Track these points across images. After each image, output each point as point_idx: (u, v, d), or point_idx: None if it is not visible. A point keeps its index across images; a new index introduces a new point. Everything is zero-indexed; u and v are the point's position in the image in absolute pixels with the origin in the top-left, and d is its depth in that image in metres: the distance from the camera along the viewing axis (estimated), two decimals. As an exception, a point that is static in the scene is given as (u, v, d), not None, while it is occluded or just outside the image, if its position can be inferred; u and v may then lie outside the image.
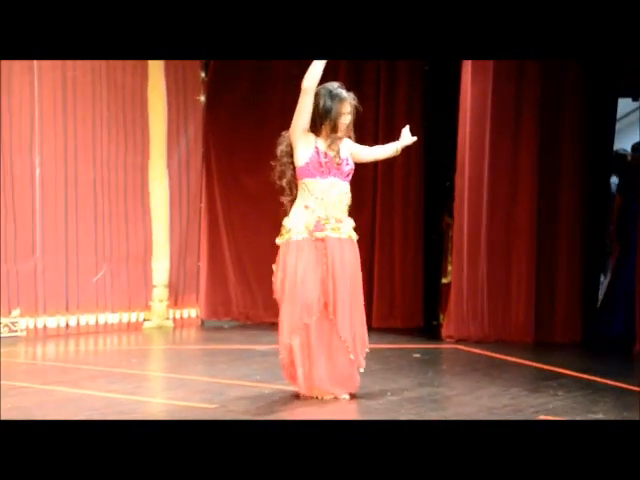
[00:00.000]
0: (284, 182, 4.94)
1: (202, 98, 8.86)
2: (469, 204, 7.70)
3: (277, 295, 4.91)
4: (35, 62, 7.55)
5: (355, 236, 4.94)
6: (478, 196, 7.71)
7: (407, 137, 5.12)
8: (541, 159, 7.76)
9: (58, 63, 7.69)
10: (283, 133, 5.00)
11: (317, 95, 4.80)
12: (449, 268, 8.40)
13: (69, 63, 7.77)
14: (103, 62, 7.98)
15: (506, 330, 7.71)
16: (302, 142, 4.83)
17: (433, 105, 8.68)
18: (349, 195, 4.91)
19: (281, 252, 4.89)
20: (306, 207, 4.82)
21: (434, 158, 8.79)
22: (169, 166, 8.65)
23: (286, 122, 8.73)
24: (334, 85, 4.86)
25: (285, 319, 4.79)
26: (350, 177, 4.92)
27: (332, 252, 4.79)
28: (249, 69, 8.79)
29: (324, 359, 4.75)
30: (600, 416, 4.53)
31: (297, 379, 4.82)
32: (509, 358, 6.66)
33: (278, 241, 4.92)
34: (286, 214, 4.98)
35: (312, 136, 4.83)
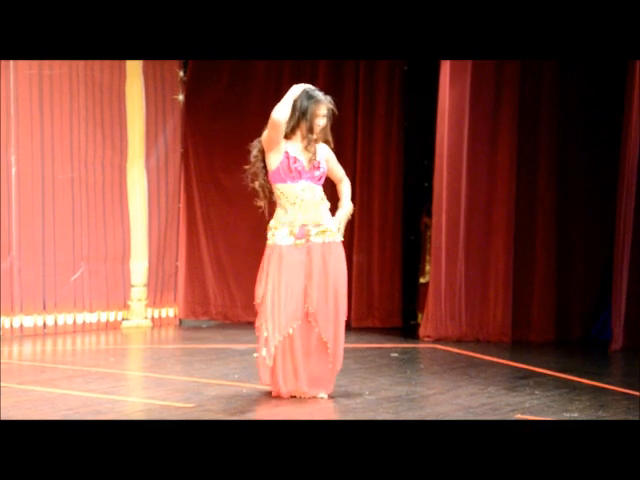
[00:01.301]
0: (257, 185, 4.96)
1: (181, 97, 8.84)
2: (447, 204, 7.74)
3: (258, 299, 4.89)
4: (11, 61, 7.49)
5: (340, 237, 4.92)
6: (456, 197, 7.74)
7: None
8: (519, 160, 7.81)
9: (35, 62, 7.64)
10: (255, 141, 5.00)
11: (297, 97, 4.78)
12: (427, 268, 8.44)
13: (46, 62, 7.72)
14: (80, 61, 7.94)
15: (483, 330, 7.76)
16: (274, 149, 4.84)
17: (412, 105, 8.71)
18: (324, 199, 4.90)
19: (266, 255, 4.91)
20: (285, 211, 4.84)
21: (413, 158, 8.83)
22: (147, 165, 8.63)
23: (265, 122, 8.82)
24: (311, 87, 4.85)
25: (270, 324, 4.77)
26: (322, 180, 4.91)
27: (314, 258, 4.80)
28: (228, 68, 8.79)
29: (305, 361, 4.76)
30: (576, 415, 4.56)
31: (277, 381, 4.81)
32: (486, 357, 6.70)
33: (267, 241, 4.92)
34: (265, 216, 4.98)
35: (282, 141, 4.83)
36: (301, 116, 4.77)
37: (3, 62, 7.48)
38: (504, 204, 7.79)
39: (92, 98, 8.15)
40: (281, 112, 4.71)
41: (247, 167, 5.00)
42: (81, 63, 7.99)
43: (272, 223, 4.91)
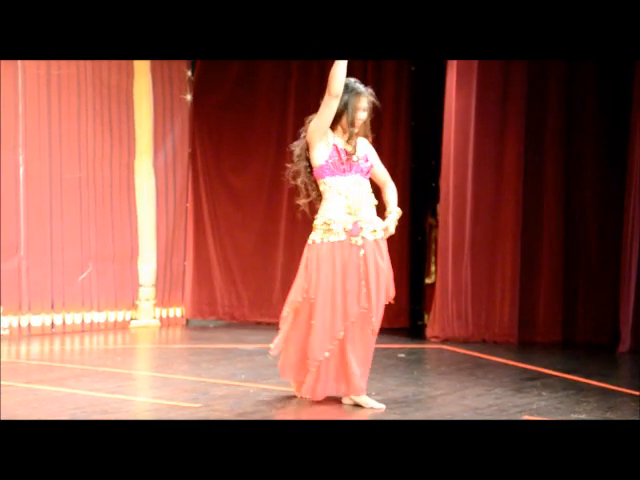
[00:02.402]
0: (299, 181, 4.77)
1: (188, 97, 8.85)
2: (454, 205, 7.74)
3: (299, 296, 4.69)
4: (19, 60, 7.51)
5: (383, 234, 4.76)
6: (463, 197, 7.74)
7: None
8: (525, 161, 7.80)
9: (43, 61, 7.66)
10: (295, 142, 4.82)
11: None
12: (432, 268, 8.43)
13: (54, 61, 7.74)
14: (88, 61, 7.96)
15: (490, 330, 7.75)
16: (321, 141, 4.67)
17: (420, 105, 8.70)
18: (372, 194, 4.77)
19: (313, 253, 4.68)
20: (335, 206, 4.66)
21: (420, 158, 8.82)
22: (155, 165, 8.64)
23: (272, 121, 8.84)
24: (351, 80, 4.70)
25: (320, 326, 4.62)
26: (369, 175, 4.77)
27: (369, 257, 4.66)
28: (235, 68, 8.80)
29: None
30: (583, 416, 4.55)
31: (314, 384, 4.69)
32: (493, 358, 6.69)
33: (314, 238, 4.70)
34: (309, 214, 4.82)
35: (329, 133, 4.68)
36: (342, 109, 4.62)
37: (11, 62, 7.50)
38: (511, 205, 7.78)
39: (100, 98, 8.16)
40: (339, 86, 4.52)
41: (289, 165, 4.81)
42: (89, 63, 8.00)
43: (320, 220, 4.70)
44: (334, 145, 4.66)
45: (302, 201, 4.82)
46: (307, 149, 4.73)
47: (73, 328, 7.99)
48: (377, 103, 4.76)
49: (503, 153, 7.81)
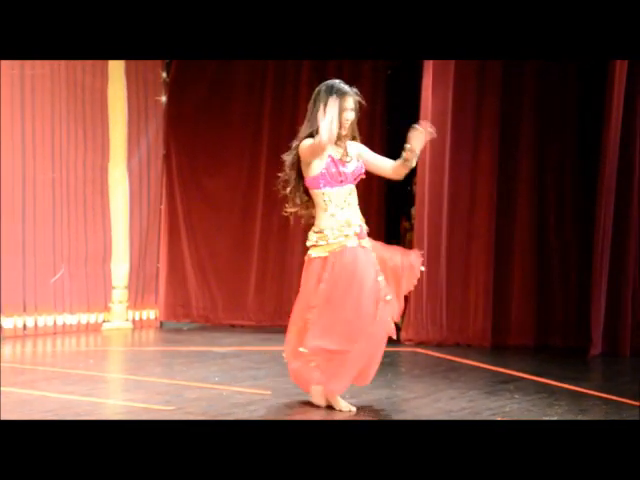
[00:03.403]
0: (288, 191, 4.72)
1: (163, 98, 8.83)
2: (429, 209, 7.76)
3: (315, 301, 4.57)
4: (-8, 61, 7.46)
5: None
6: (438, 201, 7.77)
7: (417, 136, 4.60)
8: (500, 164, 7.85)
9: (17, 62, 7.60)
10: (287, 153, 4.73)
11: (319, 92, 4.60)
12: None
13: (28, 62, 7.68)
14: (62, 61, 7.91)
15: (464, 334, 7.79)
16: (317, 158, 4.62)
17: (395, 108, 8.73)
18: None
19: (330, 259, 4.57)
20: (332, 215, 4.62)
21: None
22: (129, 166, 8.60)
23: (247, 123, 8.83)
24: (336, 81, 4.65)
25: (340, 327, 4.51)
26: (358, 180, 4.73)
27: (377, 258, 4.69)
28: (211, 70, 8.78)
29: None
30: (555, 419, 4.58)
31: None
32: (467, 361, 6.72)
33: (318, 253, 4.62)
34: (302, 223, 4.81)
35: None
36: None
37: (-15, 62, 7.45)
38: (485, 209, 7.82)
39: (74, 99, 8.12)
40: (331, 135, 4.44)
41: (280, 174, 4.74)
42: (63, 63, 7.95)
43: (320, 228, 4.63)
44: (330, 156, 4.61)
45: (290, 210, 4.78)
46: (299, 160, 4.67)
47: (45, 330, 7.93)
48: (363, 102, 4.73)
49: (478, 157, 7.85)
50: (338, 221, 4.62)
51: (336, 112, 4.47)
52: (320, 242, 4.64)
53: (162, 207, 8.92)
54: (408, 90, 8.29)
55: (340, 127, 4.59)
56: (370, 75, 8.60)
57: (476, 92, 7.85)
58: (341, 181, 4.64)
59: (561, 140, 7.86)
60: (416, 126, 4.62)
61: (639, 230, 7.36)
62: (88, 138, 8.25)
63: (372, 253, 4.67)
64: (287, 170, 4.71)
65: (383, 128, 8.75)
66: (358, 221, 4.68)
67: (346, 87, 4.64)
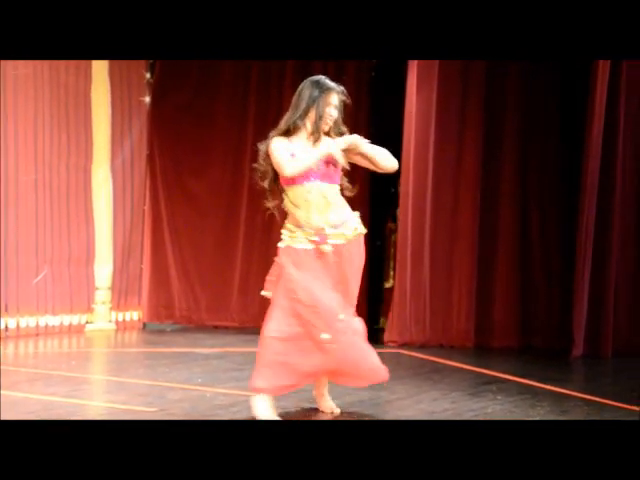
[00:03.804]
0: (266, 184, 4.59)
1: (147, 99, 8.80)
2: (413, 210, 7.78)
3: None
4: (-26, 61, 7.42)
5: (362, 229, 4.64)
6: (422, 202, 7.79)
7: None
8: (484, 165, 7.88)
9: (-1, 62, 7.58)
10: (263, 142, 4.59)
11: (304, 86, 4.52)
12: (391, 273, 8.47)
13: (10, 62, 7.63)
14: (45, 62, 7.87)
15: (447, 335, 7.81)
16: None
17: (379, 109, 8.73)
18: (337, 195, 4.55)
19: (282, 258, 4.51)
20: (294, 215, 4.51)
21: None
22: (113, 167, 8.57)
23: (231, 124, 8.81)
24: (321, 77, 4.58)
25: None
26: (338, 178, 4.57)
27: (340, 262, 4.51)
28: (195, 71, 8.77)
29: None
30: (538, 420, 4.59)
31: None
32: (450, 363, 6.73)
33: (280, 244, 4.56)
34: (276, 217, 4.69)
35: (287, 141, 4.49)
36: (310, 106, 4.45)
37: (-34, 62, 7.40)
38: (468, 210, 7.85)
39: (57, 99, 8.08)
40: (297, 171, 4.39)
41: (256, 165, 4.62)
42: (46, 64, 7.91)
43: (288, 225, 4.57)
44: (292, 155, 4.45)
45: (270, 204, 4.65)
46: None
47: (27, 332, 7.89)
48: (348, 101, 4.64)
49: (461, 158, 7.88)
50: (296, 220, 4.51)
51: (316, 159, 4.38)
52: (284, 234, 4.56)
53: (146, 208, 8.89)
54: (392, 91, 8.31)
55: (322, 120, 4.50)
56: (354, 76, 8.60)
57: (460, 93, 7.87)
58: (308, 176, 4.46)
59: (544, 141, 7.89)
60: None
61: (621, 232, 7.41)
62: (71, 139, 8.21)
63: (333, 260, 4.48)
64: (261, 161, 4.57)
65: (367, 129, 8.75)
66: (319, 223, 4.48)
67: (331, 83, 4.56)
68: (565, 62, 7.55)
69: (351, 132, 9.14)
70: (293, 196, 4.51)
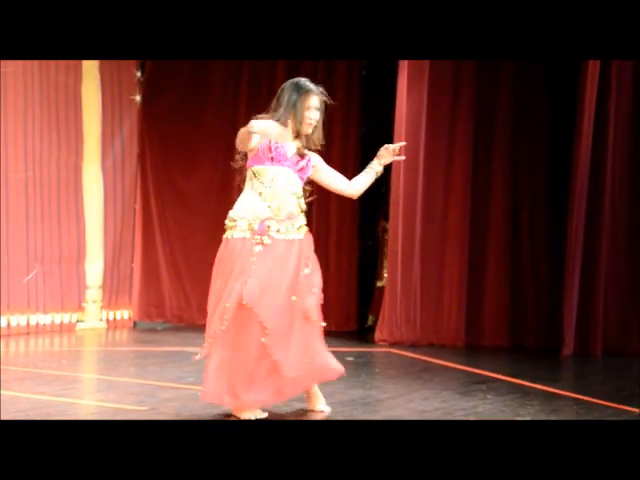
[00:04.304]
0: (237, 167, 4.57)
1: (138, 98, 8.79)
2: (404, 209, 7.79)
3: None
4: (-36, 58, 7.39)
5: (301, 235, 4.49)
6: (413, 202, 7.80)
7: (386, 155, 4.68)
8: (474, 165, 7.90)
9: (-11, 60, 7.56)
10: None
11: (283, 89, 4.50)
12: (384, 271, 8.49)
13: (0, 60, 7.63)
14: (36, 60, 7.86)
15: (438, 334, 7.82)
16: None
17: (370, 110, 8.75)
18: (300, 197, 4.50)
19: (220, 250, 4.49)
20: (250, 199, 4.44)
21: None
22: (103, 166, 8.56)
23: (222, 123, 8.81)
24: (302, 79, 4.55)
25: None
26: (304, 175, 4.54)
27: (266, 256, 4.36)
28: (185, 69, 8.77)
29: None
30: (528, 419, 4.61)
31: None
32: (441, 362, 6.75)
33: (226, 234, 4.52)
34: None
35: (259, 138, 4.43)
36: (290, 110, 4.43)
37: (-44, 59, 7.38)
38: (459, 209, 7.87)
39: (47, 97, 8.06)
40: (260, 129, 4.26)
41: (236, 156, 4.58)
42: (36, 62, 7.90)
43: (232, 215, 4.50)
44: (269, 140, 4.41)
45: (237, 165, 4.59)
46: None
47: (18, 330, 7.88)
48: (329, 101, 4.60)
49: (452, 158, 7.90)
50: (245, 207, 4.45)
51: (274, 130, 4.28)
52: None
53: (136, 207, 8.88)
54: (383, 91, 8.32)
55: (302, 124, 4.46)
56: (345, 76, 8.62)
57: (451, 93, 7.89)
58: (271, 158, 4.43)
59: (535, 141, 7.91)
60: (388, 146, 4.65)
61: (611, 231, 7.43)
62: (62, 137, 8.20)
63: (261, 249, 4.36)
64: (238, 150, 4.53)
65: (358, 129, 8.77)
66: (267, 214, 4.39)
67: (310, 85, 4.52)
68: (555, 62, 7.57)
69: (342, 131, 9.19)
70: (261, 174, 4.43)
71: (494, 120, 7.94)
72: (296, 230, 4.47)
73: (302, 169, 4.55)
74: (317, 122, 4.54)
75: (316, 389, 4.78)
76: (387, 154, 4.72)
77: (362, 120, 8.75)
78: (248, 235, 4.41)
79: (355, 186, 4.83)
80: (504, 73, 7.88)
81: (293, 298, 4.40)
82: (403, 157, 4.83)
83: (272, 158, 4.45)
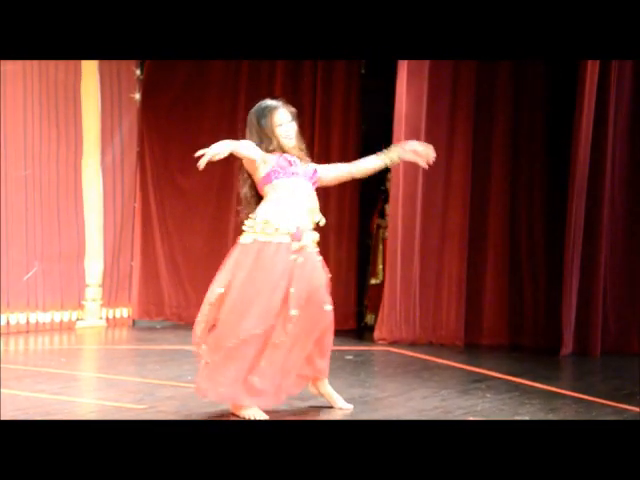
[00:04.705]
0: (242, 192, 4.61)
1: (137, 96, 8.79)
2: (403, 209, 7.79)
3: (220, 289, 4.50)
4: (-36, 56, 7.38)
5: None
6: (412, 202, 7.80)
7: (410, 156, 4.74)
8: (473, 164, 7.89)
9: (-13, 58, 7.54)
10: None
11: (249, 120, 4.51)
12: (379, 268, 8.50)
13: (-2, 59, 7.62)
14: (36, 58, 7.85)
15: (437, 333, 7.82)
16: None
17: (369, 109, 8.75)
18: (317, 206, 4.56)
19: (249, 252, 4.43)
20: (276, 206, 4.44)
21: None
22: (103, 164, 8.56)
23: (221, 121, 8.81)
24: (260, 102, 4.53)
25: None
26: (315, 183, 4.58)
27: (306, 264, 4.45)
28: (185, 68, 8.76)
29: None
30: (527, 418, 4.61)
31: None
32: (440, 360, 6.75)
33: (250, 238, 4.47)
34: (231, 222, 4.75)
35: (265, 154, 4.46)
36: (265, 136, 4.44)
37: (-44, 58, 7.37)
38: (458, 209, 7.87)
39: (46, 95, 8.06)
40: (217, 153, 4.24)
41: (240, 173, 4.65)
42: (36, 60, 7.89)
43: (264, 217, 4.45)
44: (279, 154, 4.48)
45: (243, 211, 4.64)
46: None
47: (18, 328, 7.88)
48: (293, 110, 4.54)
49: (452, 157, 7.89)
50: (277, 214, 4.43)
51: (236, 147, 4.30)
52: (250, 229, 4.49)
53: (136, 205, 8.88)
54: (382, 91, 8.33)
55: (281, 141, 4.46)
56: (344, 75, 8.61)
57: (450, 93, 7.88)
58: (292, 173, 4.47)
59: (534, 141, 7.90)
60: (417, 150, 4.70)
61: (610, 230, 7.43)
62: (61, 135, 8.20)
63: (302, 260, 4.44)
64: (242, 171, 4.58)
65: (358, 127, 8.77)
66: (298, 221, 4.45)
67: (272, 102, 4.51)
68: (555, 62, 7.57)
69: (342, 130, 9.18)
70: (280, 187, 4.44)
71: (493, 119, 7.94)
72: (315, 242, 4.58)
73: (312, 176, 4.58)
74: (294, 132, 4.54)
75: (329, 388, 4.77)
76: (412, 155, 4.74)
77: (361, 119, 8.75)
78: (287, 240, 4.43)
79: (359, 165, 4.81)
80: (503, 73, 7.87)
81: (328, 308, 4.57)
82: (425, 166, 4.82)
83: (293, 172, 4.48)
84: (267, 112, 4.47)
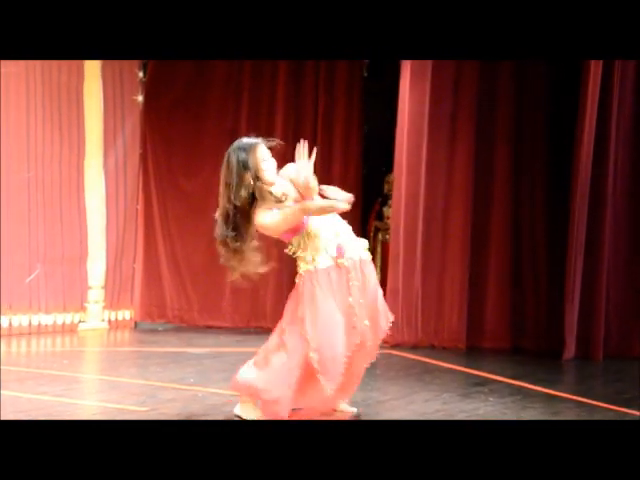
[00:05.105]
0: (233, 219, 4.58)
1: (140, 98, 8.79)
2: (405, 211, 7.78)
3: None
4: (-33, 58, 7.40)
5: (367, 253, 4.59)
6: (414, 203, 7.79)
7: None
8: (475, 166, 7.88)
9: (-10, 60, 7.56)
10: None
11: (227, 160, 4.49)
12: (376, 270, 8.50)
13: (2, 60, 7.62)
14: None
15: (439, 336, 7.81)
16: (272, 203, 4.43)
17: (372, 110, 8.75)
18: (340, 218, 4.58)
19: (308, 281, 4.43)
20: (316, 237, 4.45)
21: (372, 165, 8.87)
22: (106, 166, 8.56)
23: (224, 123, 8.80)
24: (240, 140, 4.50)
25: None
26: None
27: (356, 277, 4.47)
28: (187, 69, 8.76)
29: None
30: (529, 420, 4.61)
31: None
32: (442, 364, 6.74)
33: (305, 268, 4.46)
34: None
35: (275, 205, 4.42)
36: (243, 172, 4.39)
37: (-41, 60, 7.39)
38: (460, 211, 7.86)
39: (49, 97, 8.07)
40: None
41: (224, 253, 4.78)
42: (38, 62, 7.89)
43: (306, 250, 4.45)
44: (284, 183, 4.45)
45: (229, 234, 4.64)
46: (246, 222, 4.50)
47: (20, 330, 7.88)
48: (273, 142, 4.49)
49: (454, 159, 7.88)
50: (315, 242, 4.46)
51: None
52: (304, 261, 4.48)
53: (138, 207, 8.88)
54: (385, 91, 8.32)
55: (266, 180, 4.41)
56: (346, 76, 8.61)
57: (453, 94, 7.88)
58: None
59: (536, 142, 7.89)
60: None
61: (613, 234, 7.42)
62: (64, 137, 8.21)
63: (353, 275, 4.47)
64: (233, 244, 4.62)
65: (360, 129, 8.77)
66: (335, 240, 4.48)
67: (251, 140, 4.46)
68: (558, 63, 7.56)
69: (344, 131, 9.16)
70: (316, 220, 4.43)
71: (496, 120, 7.93)
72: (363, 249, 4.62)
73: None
74: (275, 167, 4.47)
75: None
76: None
77: (364, 120, 8.75)
78: (331, 262, 4.45)
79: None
80: (506, 73, 7.86)
81: (366, 322, 4.57)
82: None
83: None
84: (249, 148, 4.41)
